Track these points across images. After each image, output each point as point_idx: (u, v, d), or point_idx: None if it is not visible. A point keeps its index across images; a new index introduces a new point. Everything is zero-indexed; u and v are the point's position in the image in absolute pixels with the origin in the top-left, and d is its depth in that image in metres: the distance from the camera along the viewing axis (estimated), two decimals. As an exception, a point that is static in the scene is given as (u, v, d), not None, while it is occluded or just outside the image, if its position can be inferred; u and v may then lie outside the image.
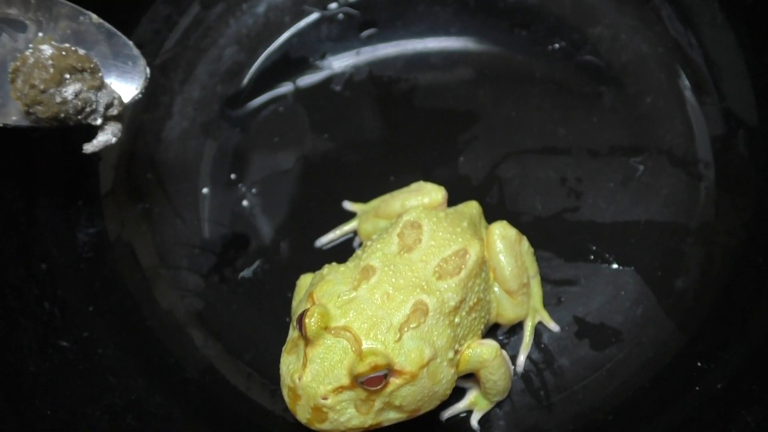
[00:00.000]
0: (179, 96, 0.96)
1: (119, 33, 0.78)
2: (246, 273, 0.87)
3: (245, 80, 0.96)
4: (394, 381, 0.68)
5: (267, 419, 0.80)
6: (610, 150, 0.89)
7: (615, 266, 0.84)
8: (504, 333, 0.81)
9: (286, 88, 0.95)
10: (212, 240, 0.89)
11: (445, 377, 0.70)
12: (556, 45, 0.94)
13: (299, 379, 0.68)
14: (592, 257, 0.85)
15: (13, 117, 0.75)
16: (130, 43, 0.78)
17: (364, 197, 0.88)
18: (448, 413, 0.77)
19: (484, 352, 0.73)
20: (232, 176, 0.91)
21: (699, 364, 0.77)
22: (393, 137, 0.92)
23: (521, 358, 0.80)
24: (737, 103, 0.87)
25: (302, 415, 0.69)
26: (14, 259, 0.80)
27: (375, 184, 0.89)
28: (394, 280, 0.71)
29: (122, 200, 0.90)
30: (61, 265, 0.83)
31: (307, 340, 0.69)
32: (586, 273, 0.84)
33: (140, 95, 0.78)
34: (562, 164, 0.89)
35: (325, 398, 0.67)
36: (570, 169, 0.89)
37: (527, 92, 0.93)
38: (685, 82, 0.90)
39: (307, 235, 0.88)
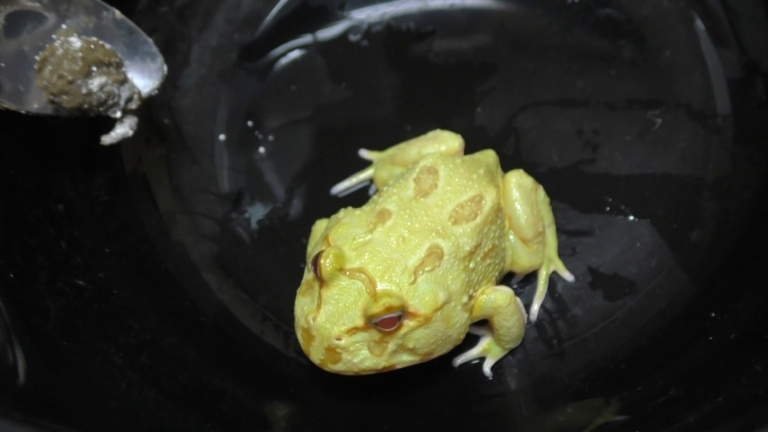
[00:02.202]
0: (197, 43, 0.96)
1: (140, 30, 0.80)
2: (261, 219, 0.87)
3: (263, 29, 0.96)
4: (408, 323, 0.68)
5: (280, 362, 0.80)
6: (627, 103, 0.89)
7: (630, 218, 0.84)
8: (518, 282, 0.81)
9: (303, 37, 0.95)
10: (228, 186, 0.89)
11: (459, 321, 0.71)
12: (576, -2, 0.94)
13: (313, 320, 0.68)
14: (608, 209, 0.85)
15: (35, 105, 0.76)
16: (150, 40, 0.80)
17: (380, 146, 0.89)
18: (460, 359, 0.78)
19: (499, 298, 0.73)
20: (249, 123, 0.92)
21: (712, 314, 0.77)
22: (410, 88, 0.92)
23: (535, 307, 0.80)
24: (757, 55, 0.87)
25: (316, 356, 0.69)
26: (32, 198, 0.80)
27: (391, 134, 0.89)
28: (409, 223, 0.71)
29: (139, 145, 0.90)
30: (78, 206, 0.84)
31: (321, 282, 0.69)
32: (601, 224, 0.84)
33: (157, 91, 0.80)
34: (580, 116, 0.89)
35: (339, 339, 0.68)
36: (587, 122, 0.88)
37: (546, 45, 0.92)
38: (705, 36, 0.90)
39: (323, 182, 0.88)
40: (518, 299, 0.75)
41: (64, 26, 0.78)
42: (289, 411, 0.77)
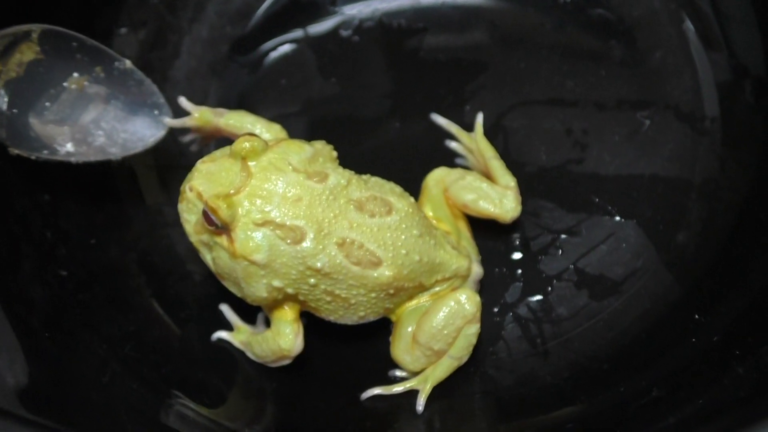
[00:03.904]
0: (188, 35, 0.95)
1: (149, 80, 0.82)
2: (248, 213, 0.87)
3: (254, 22, 0.96)
4: (223, 240, 0.70)
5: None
6: (617, 103, 0.89)
7: (617, 218, 0.84)
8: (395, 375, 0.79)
9: (294, 31, 0.95)
10: (216, 179, 0.89)
11: (255, 289, 0.71)
12: (568, -2, 0.94)
13: (201, 162, 0.71)
14: (595, 209, 0.85)
15: (44, 151, 0.78)
16: (158, 91, 0.82)
17: (368, 142, 0.89)
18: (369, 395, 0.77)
19: (284, 338, 0.73)
20: (238, 116, 0.91)
21: (696, 316, 0.77)
22: (400, 84, 0.92)
23: (369, 392, 0.77)
24: (746, 59, 0.87)
25: (182, 186, 0.72)
26: (18, 187, 0.80)
27: (380, 130, 0.89)
28: (316, 202, 0.70)
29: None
30: (64, 197, 0.84)
31: (231, 151, 0.71)
32: (588, 224, 0.84)
33: (162, 138, 0.82)
34: (569, 116, 0.89)
35: (190, 189, 0.70)
36: (576, 121, 0.88)
37: (537, 44, 0.92)
38: (696, 38, 0.90)
39: (311, 177, 0.88)
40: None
41: (75, 74, 0.81)
42: (272, 406, 0.77)
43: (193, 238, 0.72)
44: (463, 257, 0.76)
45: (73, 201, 0.84)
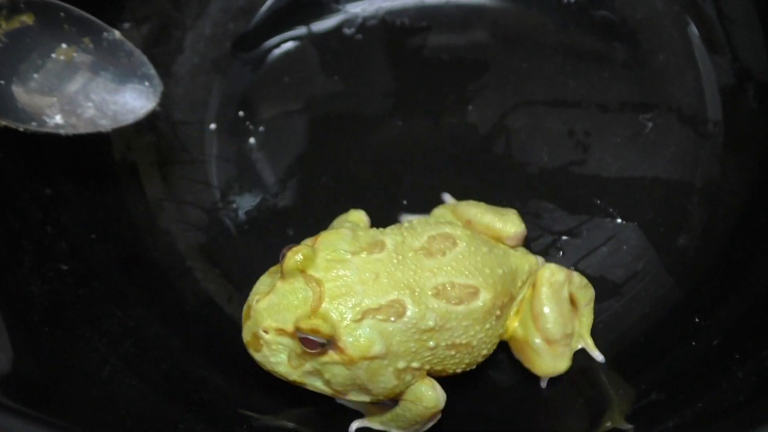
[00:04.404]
0: (191, 31, 0.95)
1: (139, 51, 0.81)
2: (249, 210, 0.87)
3: (258, 19, 0.96)
4: (332, 355, 0.67)
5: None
6: (619, 105, 0.89)
7: (618, 221, 0.84)
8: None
9: (298, 28, 0.95)
10: (217, 175, 0.89)
11: (384, 382, 0.68)
12: (572, -1, 0.94)
13: (257, 301, 0.68)
14: (596, 211, 0.85)
15: (33, 123, 0.77)
16: (148, 62, 0.81)
17: (371, 140, 0.89)
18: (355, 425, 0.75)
19: (427, 398, 0.70)
20: (240, 113, 0.91)
21: (696, 319, 0.77)
22: (403, 83, 0.92)
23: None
24: (750, 63, 0.87)
25: (245, 335, 0.69)
26: (19, 181, 0.80)
27: (382, 128, 0.89)
28: (393, 268, 0.69)
29: (129, 131, 0.90)
30: (65, 191, 0.83)
31: (282, 273, 0.68)
32: (589, 226, 0.84)
33: (153, 110, 0.81)
34: (571, 117, 0.89)
35: (266, 332, 0.67)
36: (579, 122, 0.88)
37: (540, 44, 0.92)
38: (699, 41, 0.90)
39: (312, 174, 0.88)
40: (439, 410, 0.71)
41: (63, 45, 0.79)
42: (272, 403, 0.77)
43: (295, 375, 0.69)
44: (529, 254, 0.76)
45: (73, 196, 0.84)
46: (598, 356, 0.76)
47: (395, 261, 0.69)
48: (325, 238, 0.70)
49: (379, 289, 0.68)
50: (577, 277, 0.76)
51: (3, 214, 0.75)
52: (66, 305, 0.75)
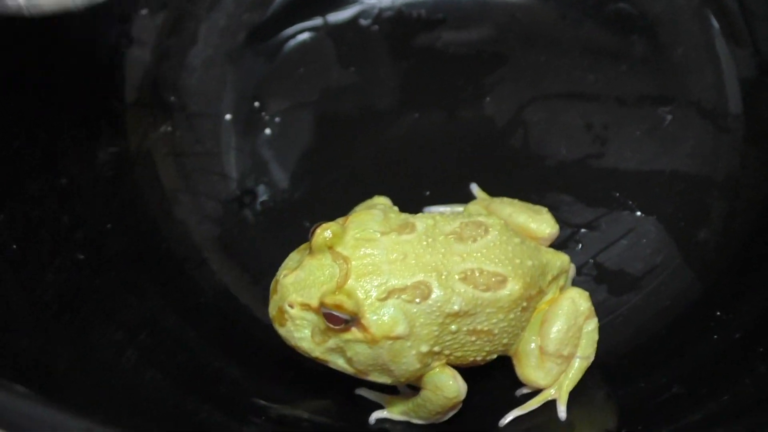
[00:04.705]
0: (204, 23, 0.95)
1: None
2: (265, 201, 0.87)
3: (272, 10, 0.95)
4: (355, 332, 0.66)
5: (282, 346, 0.78)
6: (638, 99, 0.88)
7: (637, 214, 0.83)
8: (522, 393, 0.75)
9: (313, 19, 0.94)
10: (233, 167, 0.89)
11: (407, 364, 0.67)
12: (590, -8, 0.93)
13: (284, 276, 0.68)
14: (615, 204, 0.84)
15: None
16: None
17: (387, 132, 0.88)
18: (362, 392, 0.74)
19: (447, 386, 0.69)
20: (256, 104, 0.91)
21: (717, 313, 0.76)
22: (419, 75, 0.91)
23: (508, 418, 0.73)
24: (771, 56, 0.87)
25: (271, 309, 0.69)
26: (36, 170, 0.79)
27: (398, 120, 0.89)
28: (422, 250, 0.68)
29: (144, 122, 0.89)
30: (81, 181, 0.83)
31: (310, 249, 0.68)
32: (607, 219, 0.84)
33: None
34: (589, 110, 0.88)
35: (291, 306, 0.67)
36: (597, 116, 0.88)
37: (557, 37, 0.92)
38: (719, 34, 0.89)
39: (328, 166, 0.88)
40: (460, 402, 0.70)
41: None
42: (290, 394, 0.76)
43: (318, 351, 0.68)
44: (561, 252, 0.75)
45: (89, 186, 0.83)
46: (561, 413, 0.73)
47: (424, 243, 0.69)
48: (356, 217, 0.69)
49: (406, 269, 0.67)
50: (593, 322, 0.74)
51: (21, 203, 0.75)
52: (82, 295, 0.74)
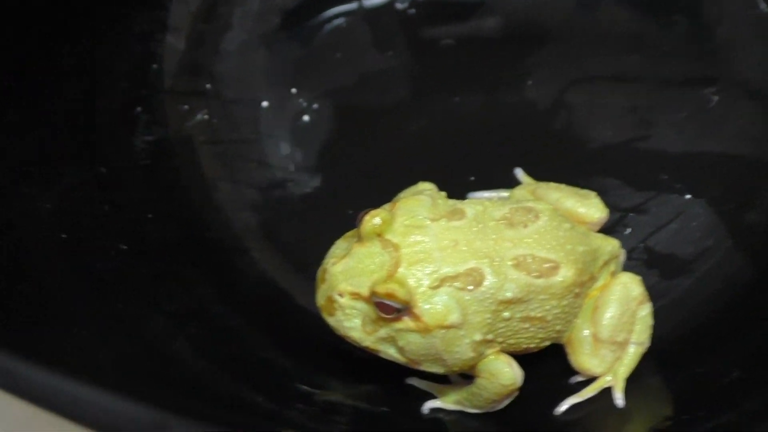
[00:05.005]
0: (239, 7, 0.93)
1: None
2: (305, 188, 0.85)
3: (306, -7, 0.94)
4: (407, 321, 0.65)
5: (328, 333, 0.77)
6: (682, 79, 0.87)
7: (686, 197, 0.82)
8: (577, 381, 0.74)
9: (348, 2, 0.93)
10: (272, 154, 0.87)
11: (460, 353, 0.66)
12: (631, -28, 0.92)
13: (332, 264, 0.66)
14: (663, 187, 0.83)
15: None
16: None
17: (427, 116, 0.87)
18: (414, 381, 0.73)
19: (503, 374, 0.68)
20: (293, 91, 0.89)
21: (771, 296, 0.75)
22: (458, 58, 0.90)
23: (563, 407, 0.72)
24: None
25: (319, 298, 0.68)
26: (76, 159, 0.78)
27: (439, 104, 0.88)
28: (473, 237, 0.67)
29: (180, 110, 0.88)
30: (119, 170, 0.82)
31: (358, 236, 0.67)
32: (656, 202, 0.82)
33: None
34: (633, 92, 0.87)
35: (340, 295, 0.66)
36: (641, 98, 0.87)
37: (599, 19, 0.90)
38: (765, 12, 0.88)
39: (369, 151, 0.86)
40: (517, 389, 0.69)
41: None
42: (335, 383, 0.75)
43: (368, 341, 0.67)
44: (611, 237, 0.74)
45: (128, 174, 0.82)
46: (619, 401, 0.72)
47: (475, 229, 0.67)
48: (404, 203, 0.68)
49: (457, 256, 0.66)
50: (647, 307, 0.73)
51: (66, 191, 0.74)
52: (131, 285, 0.73)
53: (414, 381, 0.73)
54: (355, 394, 0.75)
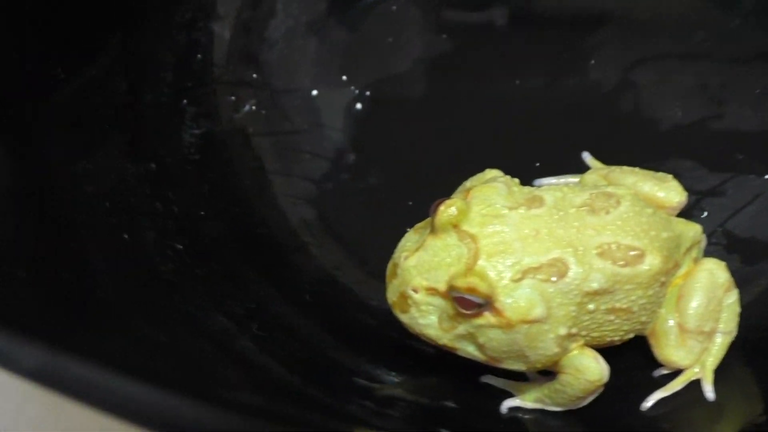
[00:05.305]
0: (283, -7, 0.90)
1: None
2: (363, 180, 0.82)
3: (354, -24, 0.90)
4: (488, 317, 0.61)
5: (393, 329, 0.74)
6: (754, 54, 0.83)
7: (765, 177, 0.79)
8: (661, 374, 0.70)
9: (397, -15, 0.89)
10: (324, 145, 0.84)
11: (544, 349, 0.63)
12: (693, -55, 0.88)
13: (405, 258, 0.63)
14: (739, 167, 0.79)
15: None
16: None
17: (484, 100, 0.84)
18: (489, 380, 0.69)
19: (591, 371, 0.64)
20: (344, 78, 0.86)
21: None
22: (517, 40, 0.86)
23: (652, 400, 0.68)
24: None
25: (390, 294, 0.64)
26: (126, 155, 0.75)
27: (497, 88, 0.84)
28: (554, 225, 0.63)
29: (227, 101, 0.85)
30: (169, 165, 0.79)
31: (432, 228, 0.63)
32: (733, 184, 0.79)
33: None
34: (702, 69, 0.83)
35: (415, 290, 0.62)
36: (711, 75, 0.83)
37: (660, -5, 0.87)
38: (837, -19, 0.84)
39: (428, 138, 0.83)
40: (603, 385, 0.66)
41: None
42: (413, 381, 0.72)
43: (446, 339, 0.63)
44: (693, 222, 0.70)
45: (178, 169, 0.79)
46: (709, 392, 0.68)
47: (556, 217, 0.64)
48: (479, 191, 0.64)
49: (539, 246, 0.62)
50: (734, 294, 0.69)
51: (120, 190, 0.70)
52: (190, 285, 0.70)
53: (489, 379, 0.70)
54: (421, 390, 0.71)
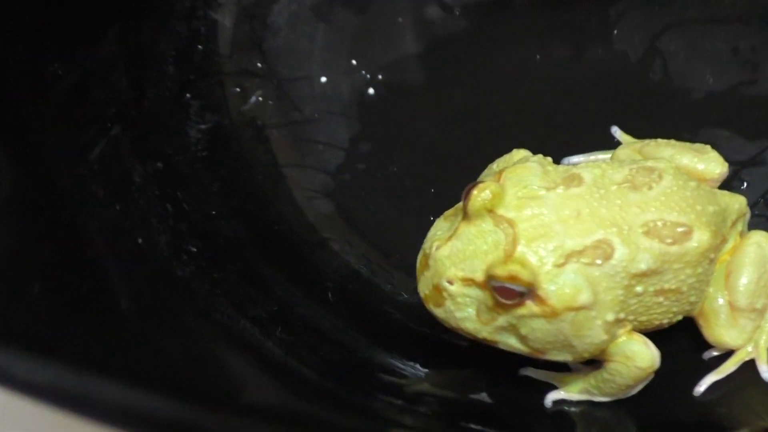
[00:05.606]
0: (285, -24, 0.86)
1: None
2: (381, 168, 0.78)
3: (358, -45, 0.86)
4: (530, 306, 0.58)
5: (424, 322, 0.70)
6: (786, 15, 0.79)
7: (808, 143, 0.75)
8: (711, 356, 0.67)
9: (405, -38, 0.85)
10: (338, 134, 0.80)
11: (591, 337, 0.59)
12: None
13: (437, 248, 0.59)
14: (779, 134, 0.76)
15: None
16: None
17: (507, 78, 0.80)
18: (528, 372, 0.66)
19: (641, 357, 0.61)
20: (353, 62, 0.82)
21: None
22: (535, 13, 0.83)
23: (704, 384, 0.65)
24: None
25: (422, 287, 0.61)
26: (131, 155, 0.71)
27: (518, 63, 0.80)
28: (596, 204, 0.60)
29: (232, 93, 0.81)
30: (176, 164, 0.75)
31: (465, 214, 0.59)
32: (773, 152, 0.75)
33: None
34: (733, 33, 0.80)
35: (450, 282, 0.58)
36: (742, 39, 0.79)
37: (683, -42, 0.83)
38: None
39: (447, 120, 0.79)
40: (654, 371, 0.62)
41: None
42: (444, 377, 0.69)
43: (485, 332, 0.60)
44: (737, 194, 0.66)
45: (186, 167, 0.75)
46: (765, 372, 0.65)
47: (597, 196, 0.60)
48: (512, 172, 0.61)
49: (582, 228, 0.58)
50: None
51: (129, 192, 0.67)
52: (209, 290, 0.66)
53: (529, 371, 0.66)
54: (455, 386, 0.69)
